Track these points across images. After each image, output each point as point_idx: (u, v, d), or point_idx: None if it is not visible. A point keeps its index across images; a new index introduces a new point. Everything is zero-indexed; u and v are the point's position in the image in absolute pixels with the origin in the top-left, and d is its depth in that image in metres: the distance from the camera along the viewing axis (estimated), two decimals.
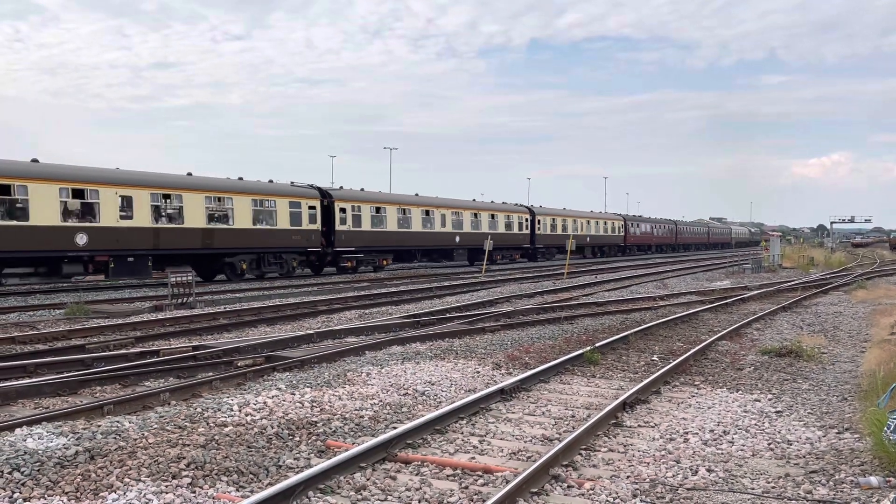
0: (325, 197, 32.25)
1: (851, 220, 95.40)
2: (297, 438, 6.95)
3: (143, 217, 24.15)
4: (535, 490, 5.72)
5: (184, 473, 5.79)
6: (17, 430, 6.72)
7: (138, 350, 11.63)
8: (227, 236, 27.30)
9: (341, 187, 36.13)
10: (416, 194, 40.49)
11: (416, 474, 6.10)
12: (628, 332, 13.85)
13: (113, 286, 24.90)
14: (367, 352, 11.77)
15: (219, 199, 27.18)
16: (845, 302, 22.24)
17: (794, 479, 6.15)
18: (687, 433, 7.51)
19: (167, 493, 5.43)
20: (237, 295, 21.87)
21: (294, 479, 5.45)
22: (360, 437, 7.12)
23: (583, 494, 5.73)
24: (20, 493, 5.38)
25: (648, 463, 6.52)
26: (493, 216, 44.79)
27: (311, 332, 13.48)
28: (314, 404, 8.15)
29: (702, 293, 24.17)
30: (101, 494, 5.38)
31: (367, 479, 5.89)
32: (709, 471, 6.32)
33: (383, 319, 15.91)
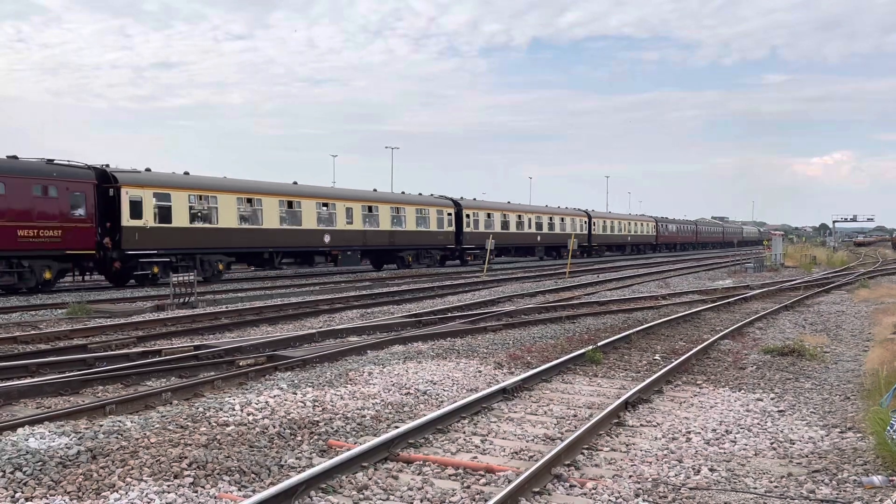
0: (456, 205, 41.87)
1: (854, 220, 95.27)
2: (299, 438, 6.95)
3: (357, 223, 34.44)
4: (538, 490, 5.71)
5: (186, 473, 5.79)
6: (20, 430, 6.72)
7: (140, 350, 11.64)
8: (402, 237, 37.47)
9: (473, 199, 44.99)
10: (508, 202, 49.61)
11: (418, 474, 6.10)
12: (630, 331, 13.83)
13: (115, 286, 24.91)
14: (368, 351, 11.76)
15: (396, 209, 37.34)
16: (848, 301, 22.21)
17: (797, 478, 6.14)
18: (689, 432, 7.50)
19: (169, 492, 5.43)
20: (239, 294, 21.89)
21: (296, 478, 5.45)
22: (361, 436, 7.12)
23: (585, 494, 5.72)
24: (22, 492, 5.38)
25: (651, 462, 6.51)
26: (562, 219, 53.83)
27: (313, 331, 13.48)
28: (316, 404, 8.14)
29: (704, 292, 24.15)
30: (103, 494, 5.38)
31: (369, 479, 5.88)
32: (711, 470, 6.31)
33: (385, 319, 15.91)
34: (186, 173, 27.89)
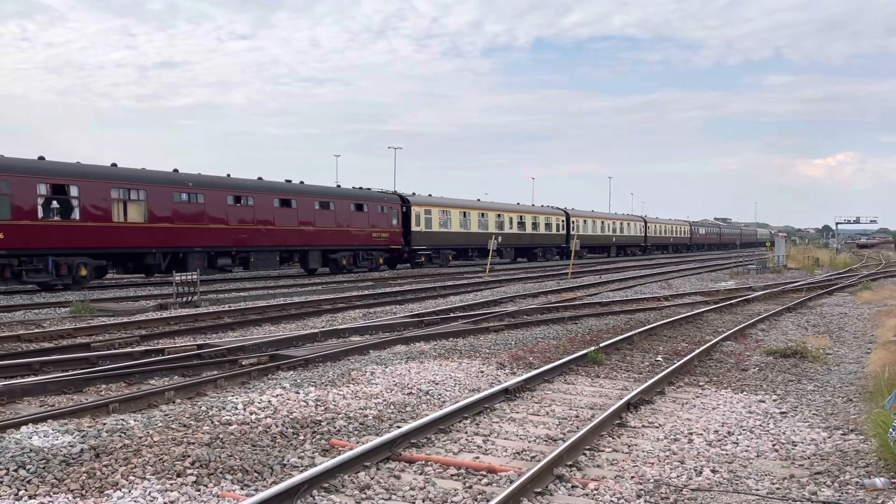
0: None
1: (857, 221, 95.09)
2: (302, 437, 6.96)
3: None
4: (539, 490, 5.72)
5: (188, 472, 5.80)
6: (23, 428, 6.74)
7: (143, 348, 11.65)
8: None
9: (429, 195, 42.94)
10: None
11: (420, 474, 6.11)
12: (632, 332, 13.83)
13: (118, 285, 24.95)
14: (371, 351, 11.77)
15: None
16: (850, 303, 22.18)
17: (799, 480, 6.14)
18: (691, 434, 7.50)
19: (172, 491, 5.44)
20: (242, 294, 21.91)
21: (298, 477, 5.46)
22: (364, 436, 7.13)
23: (587, 495, 5.73)
24: (26, 490, 5.39)
25: (653, 463, 6.51)
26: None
27: (316, 331, 13.49)
28: (318, 403, 8.16)
29: (706, 294, 24.12)
30: (107, 492, 5.40)
31: (372, 479, 5.89)
32: (713, 471, 6.31)
33: (387, 319, 15.92)
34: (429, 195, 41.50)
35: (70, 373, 9.60)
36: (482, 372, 10.39)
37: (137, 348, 11.75)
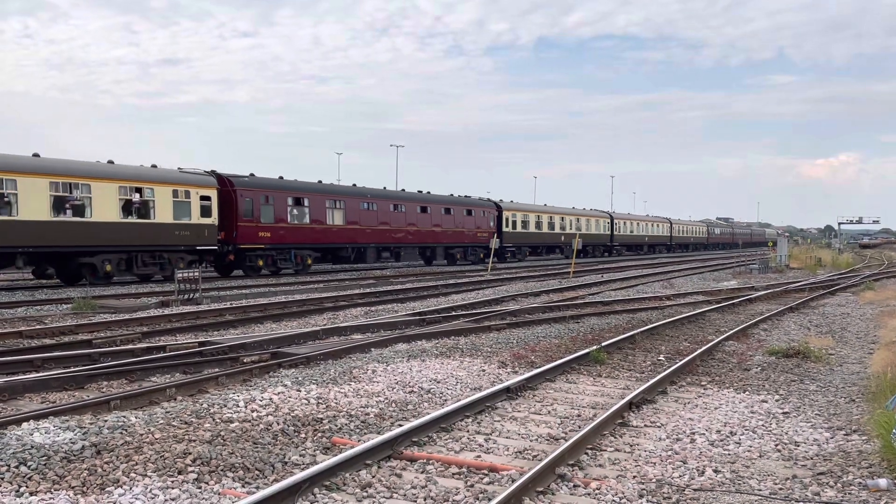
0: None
1: (859, 221, 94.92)
2: (303, 435, 6.95)
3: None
4: (541, 489, 5.70)
5: (190, 469, 5.79)
6: (24, 425, 6.73)
7: (145, 345, 11.65)
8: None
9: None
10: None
11: (422, 472, 6.09)
12: (634, 331, 13.81)
13: (120, 282, 24.96)
14: (372, 349, 11.76)
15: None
16: (853, 303, 22.14)
17: (802, 480, 6.12)
18: (693, 433, 7.48)
19: (173, 488, 5.43)
20: (243, 291, 21.91)
21: (299, 475, 5.45)
22: (365, 434, 7.12)
23: (589, 494, 5.71)
24: (27, 486, 5.39)
25: (655, 463, 6.50)
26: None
27: (317, 328, 13.49)
28: (320, 401, 8.14)
29: (708, 293, 24.10)
30: (108, 489, 5.39)
31: (373, 477, 5.88)
32: (716, 471, 6.29)
33: (389, 317, 15.91)
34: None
35: (71, 369, 9.59)
36: (484, 370, 10.37)
37: (139, 345, 11.75)
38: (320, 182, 33.63)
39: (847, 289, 27.32)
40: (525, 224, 48.97)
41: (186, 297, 18.48)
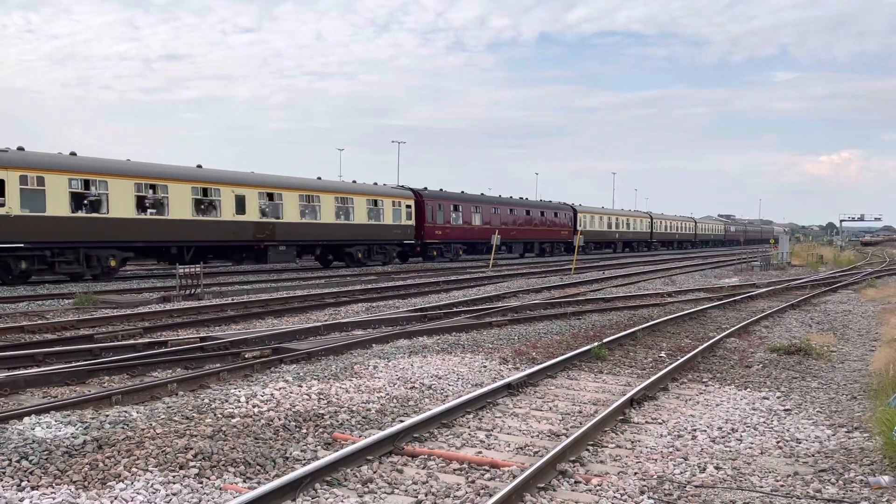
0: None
1: (861, 219, 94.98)
2: (304, 430, 6.95)
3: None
4: (542, 485, 5.70)
5: (191, 464, 5.80)
6: (26, 419, 6.73)
7: (146, 340, 11.66)
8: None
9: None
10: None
11: (423, 468, 6.09)
12: (636, 328, 13.80)
13: (122, 277, 24.98)
14: (374, 345, 11.76)
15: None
16: (855, 300, 22.12)
17: (803, 477, 6.11)
18: (695, 430, 7.48)
19: (174, 483, 5.43)
20: (245, 287, 21.91)
21: (301, 471, 5.45)
22: (366, 429, 7.12)
23: (590, 490, 5.71)
24: (28, 481, 5.39)
25: (656, 460, 6.49)
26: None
27: (319, 324, 13.49)
28: (321, 396, 8.14)
29: (710, 290, 24.09)
30: (109, 484, 5.39)
31: (374, 472, 5.88)
32: (717, 468, 6.28)
33: (390, 313, 15.90)
34: None
35: (73, 364, 9.60)
36: (485, 367, 10.37)
37: (140, 340, 11.75)
38: (463, 192, 43.98)
39: (849, 286, 27.29)
40: (593, 223, 59.91)
41: (188, 292, 18.49)
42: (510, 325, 14.65)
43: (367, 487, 5.59)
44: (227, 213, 27.12)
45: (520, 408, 8.17)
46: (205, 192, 26.54)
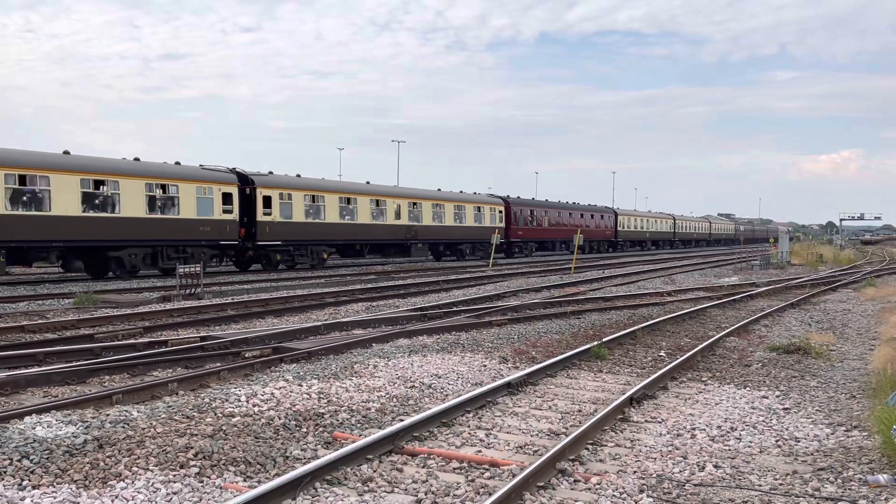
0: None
1: (861, 218, 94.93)
2: (305, 430, 6.97)
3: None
4: (542, 484, 5.72)
5: (192, 463, 5.81)
6: (27, 419, 6.75)
7: (147, 340, 11.68)
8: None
9: None
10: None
11: (423, 467, 6.11)
12: (635, 327, 13.81)
13: (122, 276, 24.98)
14: (374, 344, 11.78)
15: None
16: (854, 299, 22.14)
17: (802, 476, 6.13)
18: (694, 429, 7.50)
19: (175, 482, 5.45)
20: (245, 286, 21.92)
21: (301, 470, 5.47)
22: (366, 429, 7.13)
23: (589, 489, 5.73)
24: (29, 480, 5.41)
25: (655, 458, 6.51)
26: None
27: (319, 323, 13.50)
28: (321, 396, 8.16)
29: (709, 289, 24.09)
30: (110, 483, 5.41)
31: (374, 471, 5.89)
32: (716, 467, 6.30)
33: (390, 312, 15.92)
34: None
35: (74, 364, 9.62)
36: (485, 366, 10.39)
37: (141, 340, 11.77)
38: (533, 199, 54.38)
39: (848, 285, 27.31)
40: (634, 224, 68.67)
41: (188, 291, 18.50)
42: (510, 324, 14.67)
43: (367, 486, 5.61)
44: (391, 217, 36.31)
45: (519, 407, 8.19)
46: (377, 202, 35.48)
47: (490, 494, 5.39)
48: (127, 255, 24.24)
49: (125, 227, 23.88)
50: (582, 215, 58.33)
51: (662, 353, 11.85)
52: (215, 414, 7.24)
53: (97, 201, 23.33)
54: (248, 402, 7.74)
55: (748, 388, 9.51)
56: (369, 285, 22.59)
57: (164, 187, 25.29)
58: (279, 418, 7.19)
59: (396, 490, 5.58)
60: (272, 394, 8.08)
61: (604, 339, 12.08)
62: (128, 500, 5.14)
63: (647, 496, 5.58)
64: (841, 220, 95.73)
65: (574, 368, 10.39)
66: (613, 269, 35.18)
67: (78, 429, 6.45)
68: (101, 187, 23.43)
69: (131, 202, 24.08)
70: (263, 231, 29.14)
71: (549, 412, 8.03)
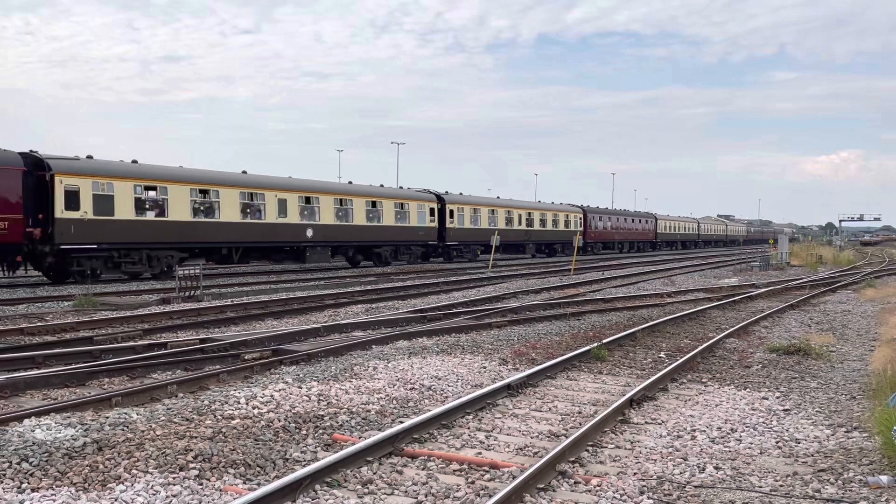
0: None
1: (860, 219, 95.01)
2: (304, 432, 6.96)
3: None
4: (542, 486, 5.71)
5: (191, 465, 5.80)
6: (26, 421, 6.74)
7: (146, 342, 11.66)
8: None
9: None
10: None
11: (423, 469, 6.10)
12: (635, 328, 13.81)
13: (120, 279, 24.97)
14: (373, 346, 11.77)
15: (685, 224, 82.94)
16: (854, 300, 22.14)
17: (803, 477, 6.12)
18: (694, 430, 7.49)
19: (174, 484, 5.44)
20: (244, 288, 21.91)
21: (301, 472, 5.46)
22: (366, 431, 7.12)
23: (590, 491, 5.72)
24: (28, 483, 5.40)
25: (655, 460, 6.50)
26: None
27: (318, 325, 13.49)
28: (321, 398, 8.15)
29: (709, 290, 24.09)
30: (109, 486, 5.40)
31: (374, 473, 5.89)
32: (716, 468, 6.29)
33: (390, 314, 15.91)
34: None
35: (73, 366, 9.61)
36: (485, 367, 10.38)
37: (140, 342, 11.76)
38: (588, 206, 59.57)
39: (848, 286, 27.31)
40: (670, 227, 78.10)
41: (188, 294, 18.49)
42: (510, 325, 14.66)
43: (367, 488, 5.60)
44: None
45: (519, 408, 8.18)
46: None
47: (490, 496, 5.39)
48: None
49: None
50: (633, 220, 68.91)
51: (662, 355, 11.85)
52: (215, 416, 7.24)
53: (340, 213, 33.10)
54: (247, 404, 7.73)
55: (748, 390, 9.51)
56: (369, 287, 22.59)
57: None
58: (279, 420, 7.18)
59: (396, 492, 5.57)
60: (272, 396, 8.08)
61: (604, 341, 12.07)
62: (127, 503, 5.13)
63: (648, 498, 5.57)
64: (840, 221, 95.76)
65: (574, 370, 10.38)
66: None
67: (77, 431, 6.44)
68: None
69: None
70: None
71: (549, 414, 8.02)
